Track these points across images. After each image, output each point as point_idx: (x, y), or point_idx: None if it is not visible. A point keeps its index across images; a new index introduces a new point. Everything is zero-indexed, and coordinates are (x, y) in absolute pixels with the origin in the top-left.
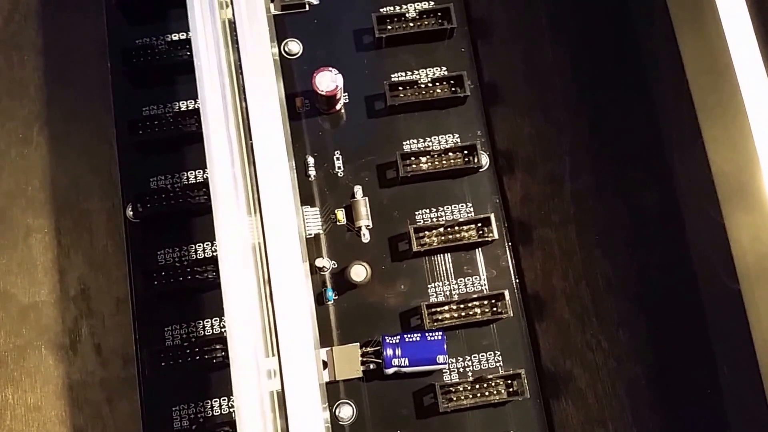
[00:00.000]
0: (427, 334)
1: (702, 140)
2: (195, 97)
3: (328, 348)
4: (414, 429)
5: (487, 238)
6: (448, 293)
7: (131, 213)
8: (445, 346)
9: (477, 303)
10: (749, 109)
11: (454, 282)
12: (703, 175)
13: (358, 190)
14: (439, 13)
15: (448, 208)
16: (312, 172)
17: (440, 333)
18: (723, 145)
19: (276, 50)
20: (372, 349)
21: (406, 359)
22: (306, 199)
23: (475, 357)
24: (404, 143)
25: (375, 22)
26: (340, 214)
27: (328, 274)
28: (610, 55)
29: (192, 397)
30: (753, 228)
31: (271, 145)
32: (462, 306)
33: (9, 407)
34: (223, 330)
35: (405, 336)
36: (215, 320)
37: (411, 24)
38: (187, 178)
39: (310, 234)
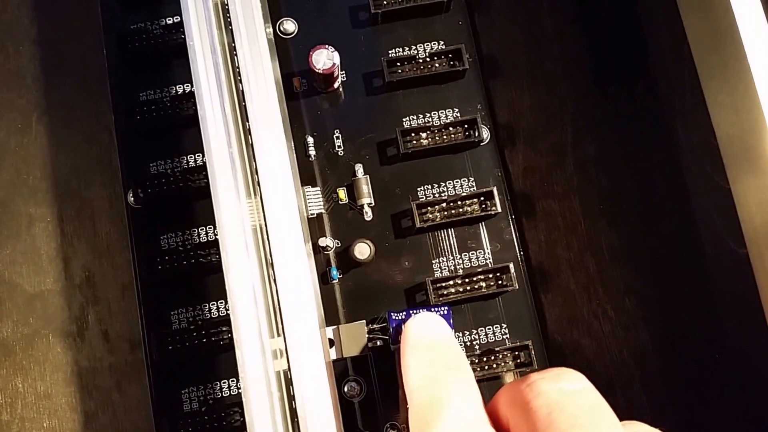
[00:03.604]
0: (432, 310)
1: (705, 105)
2: (192, 81)
3: (335, 326)
4: None
5: (490, 212)
6: (452, 268)
7: (132, 199)
8: (452, 321)
9: (482, 277)
10: (754, 70)
11: (459, 257)
12: (707, 140)
13: (359, 168)
14: None
15: (450, 183)
16: (312, 152)
17: (446, 308)
18: (727, 108)
19: (271, 30)
20: (378, 325)
21: None
22: (307, 179)
23: (481, 330)
24: (404, 119)
25: None
26: (342, 193)
27: (332, 253)
28: (609, 22)
29: (201, 380)
30: (760, 191)
31: (268, 126)
32: (467, 280)
33: (20, 396)
34: (229, 312)
35: (411, 312)
36: (221, 302)
37: None
38: (187, 161)
39: (312, 214)
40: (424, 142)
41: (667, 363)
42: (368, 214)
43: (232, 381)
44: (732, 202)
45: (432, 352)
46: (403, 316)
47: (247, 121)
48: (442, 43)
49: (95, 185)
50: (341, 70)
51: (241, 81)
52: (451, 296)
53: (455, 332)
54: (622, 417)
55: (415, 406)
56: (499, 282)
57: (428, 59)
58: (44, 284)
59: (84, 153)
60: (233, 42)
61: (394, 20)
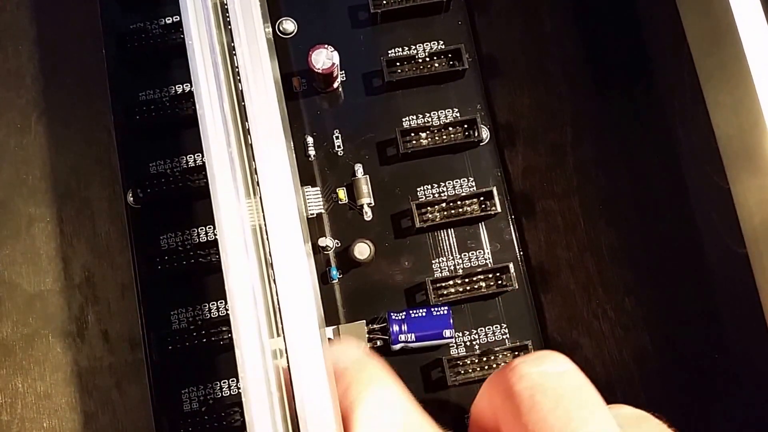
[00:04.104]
0: (432, 310)
1: (704, 105)
2: (191, 80)
3: (335, 326)
4: (423, 402)
5: (489, 212)
6: (452, 268)
7: (132, 199)
8: (451, 321)
9: (482, 277)
10: (754, 70)
11: (458, 257)
12: (706, 140)
13: (359, 168)
14: None
15: (449, 183)
16: (312, 152)
17: (446, 308)
18: (727, 108)
19: (270, 30)
20: (378, 326)
21: (413, 335)
22: (307, 179)
23: (481, 330)
24: (403, 119)
25: None
26: (342, 193)
27: (332, 253)
28: (609, 22)
29: (200, 380)
30: (760, 191)
31: (267, 126)
32: (467, 280)
33: (20, 396)
34: (228, 312)
35: (411, 312)
36: (220, 302)
37: None
38: (186, 161)
39: (312, 214)
40: (424, 142)
41: (667, 363)
42: (368, 214)
43: (232, 381)
44: (731, 201)
45: (345, 376)
46: (404, 316)
47: (247, 121)
48: (441, 43)
49: (95, 185)
50: (341, 70)
51: (240, 81)
52: (451, 296)
53: (455, 332)
54: None
55: None
56: (499, 282)
57: (428, 59)
58: (44, 284)
59: (83, 153)
60: (232, 42)
61: (394, 20)
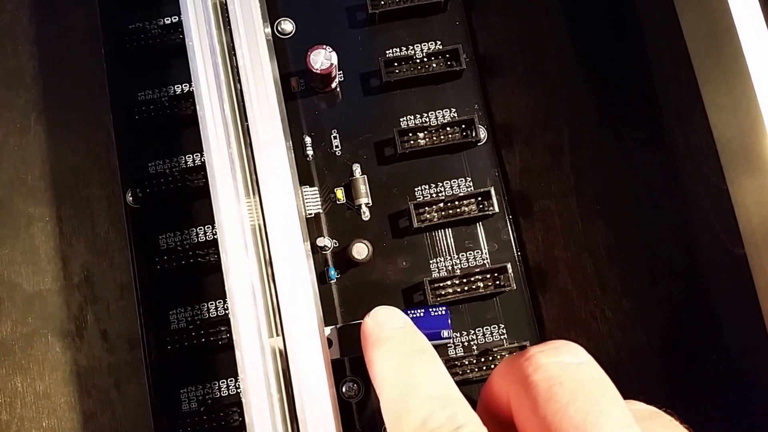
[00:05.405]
0: (430, 310)
1: (702, 105)
2: (190, 81)
3: (333, 326)
4: None
5: (487, 212)
6: (450, 268)
7: (131, 198)
8: (449, 321)
9: (479, 277)
10: (752, 71)
11: (456, 257)
12: (704, 141)
13: (357, 168)
14: None
15: (447, 183)
16: (310, 152)
17: (444, 308)
18: (725, 109)
19: (269, 30)
20: None
21: None
22: (305, 179)
23: (479, 330)
24: (401, 119)
25: None
26: (340, 193)
27: (330, 253)
28: (606, 21)
29: (199, 380)
30: (758, 191)
31: (267, 126)
32: (464, 280)
33: (19, 395)
34: (227, 311)
35: (408, 312)
36: (219, 302)
37: None
38: (185, 161)
39: (310, 214)
40: (422, 142)
41: (665, 364)
42: (366, 214)
43: (231, 381)
44: (729, 202)
45: (392, 342)
46: None
47: (246, 121)
48: (439, 43)
49: (94, 185)
50: (339, 70)
51: (240, 81)
52: (449, 296)
53: (453, 332)
54: None
55: (385, 398)
56: (497, 282)
57: (425, 59)
58: (43, 284)
59: (83, 152)
60: (232, 42)
61: (392, 20)
